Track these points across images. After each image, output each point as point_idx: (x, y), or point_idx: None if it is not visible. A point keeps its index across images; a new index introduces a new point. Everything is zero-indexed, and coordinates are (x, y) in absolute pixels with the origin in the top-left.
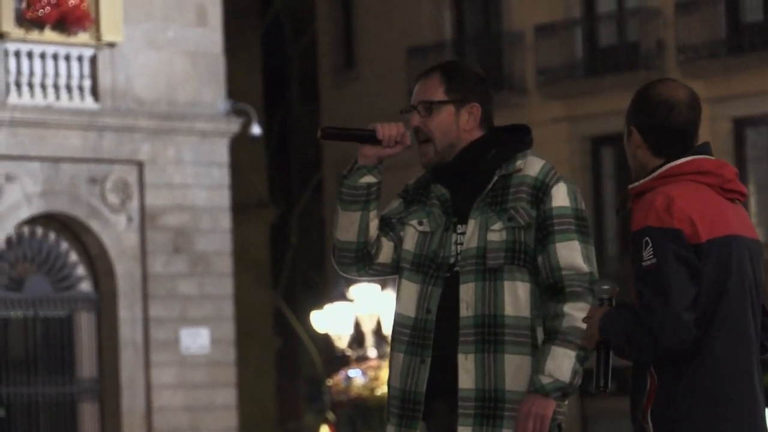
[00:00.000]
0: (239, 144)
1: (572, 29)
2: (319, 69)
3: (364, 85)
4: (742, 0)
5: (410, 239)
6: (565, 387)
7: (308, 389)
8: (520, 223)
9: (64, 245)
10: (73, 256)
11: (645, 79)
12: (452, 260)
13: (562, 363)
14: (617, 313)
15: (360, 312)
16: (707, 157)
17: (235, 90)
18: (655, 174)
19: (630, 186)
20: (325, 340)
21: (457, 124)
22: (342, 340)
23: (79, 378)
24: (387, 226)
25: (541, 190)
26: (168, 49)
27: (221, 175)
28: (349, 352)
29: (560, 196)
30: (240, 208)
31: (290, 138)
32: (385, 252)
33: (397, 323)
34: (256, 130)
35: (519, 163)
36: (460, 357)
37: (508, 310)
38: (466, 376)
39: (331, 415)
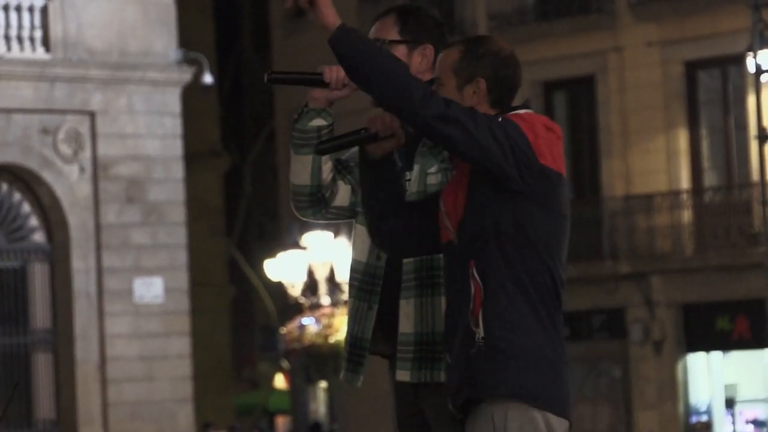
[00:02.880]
0: (191, 93)
1: None
2: (270, 17)
3: (316, 32)
4: None
5: None
6: None
7: (262, 337)
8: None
9: (17, 196)
10: (26, 207)
11: (596, 22)
12: None
13: None
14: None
15: (313, 260)
16: (530, 111)
17: (186, 39)
18: None
19: None
20: (279, 289)
21: (409, 66)
22: (295, 288)
23: (33, 329)
24: (345, 169)
25: None
26: None
27: (173, 125)
28: (302, 300)
29: None
30: (193, 157)
31: (242, 87)
32: (342, 195)
33: (351, 269)
34: (208, 79)
35: None
36: (402, 302)
37: None
38: (406, 321)
39: (285, 363)
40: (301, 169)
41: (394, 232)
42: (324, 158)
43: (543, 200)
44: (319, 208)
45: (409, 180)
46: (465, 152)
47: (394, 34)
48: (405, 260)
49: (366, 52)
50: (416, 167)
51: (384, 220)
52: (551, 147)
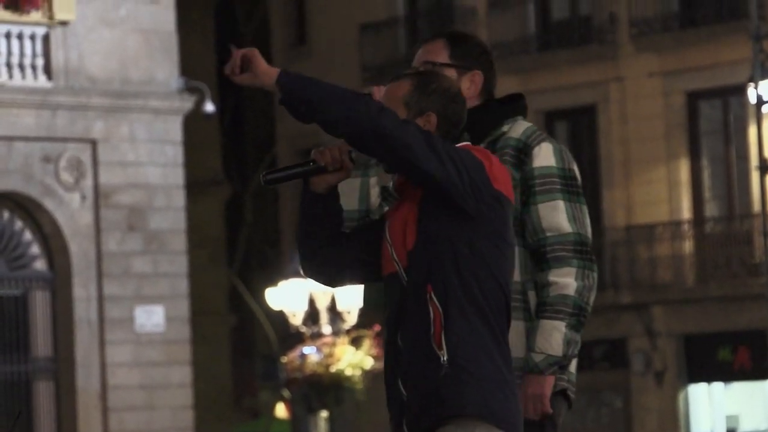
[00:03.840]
0: (193, 121)
1: (525, 3)
2: (271, 45)
3: (317, 61)
4: None
5: None
6: (559, 360)
7: (263, 367)
8: None
9: (18, 224)
10: (28, 235)
11: (598, 53)
12: None
13: (551, 337)
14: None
15: (314, 289)
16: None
17: (188, 67)
18: None
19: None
20: (280, 317)
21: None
22: (297, 317)
23: (34, 357)
24: (390, 196)
25: (522, 152)
26: (121, 27)
27: (175, 153)
28: (303, 329)
29: (543, 156)
30: (194, 185)
31: (244, 115)
32: None
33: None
34: (209, 107)
35: (505, 127)
36: None
37: None
38: None
39: (286, 393)
40: (349, 193)
41: (327, 263)
42: (372, 181)
43: (494, 224)
44: None
45: None
46: (422, 168)
47: (444, 58)
48: None
49: (313, 83)
50: None
51: (320, 251)
52: (504, 174)
